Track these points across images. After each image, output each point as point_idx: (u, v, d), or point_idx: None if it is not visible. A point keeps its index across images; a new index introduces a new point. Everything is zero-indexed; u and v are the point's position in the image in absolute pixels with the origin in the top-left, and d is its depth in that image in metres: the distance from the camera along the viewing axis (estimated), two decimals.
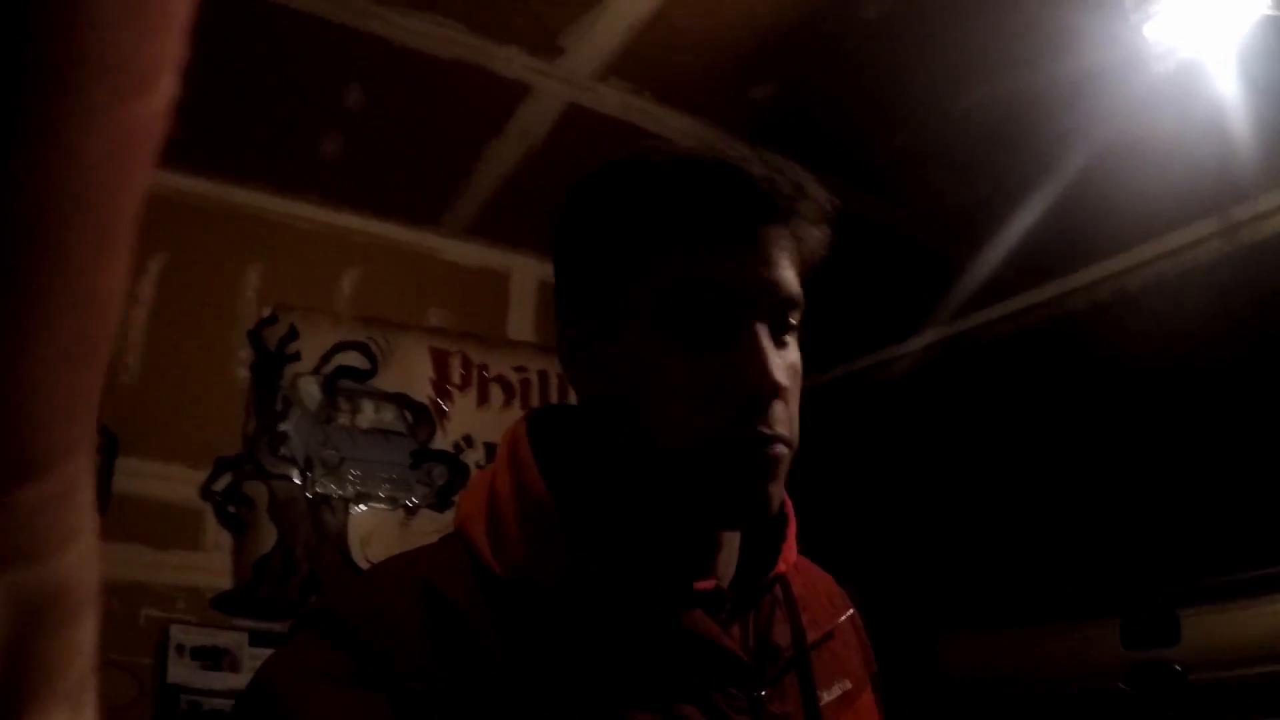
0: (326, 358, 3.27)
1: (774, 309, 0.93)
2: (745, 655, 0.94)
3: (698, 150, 0.94)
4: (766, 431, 0.89)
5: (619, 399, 0.94)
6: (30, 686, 0.26)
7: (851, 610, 1.17)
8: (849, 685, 1.06)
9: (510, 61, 2.80)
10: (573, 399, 1.05)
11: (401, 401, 3.36)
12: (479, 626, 0.84)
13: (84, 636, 0.28)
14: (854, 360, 4.12)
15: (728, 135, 3.08)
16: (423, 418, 3.38)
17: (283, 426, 3.13)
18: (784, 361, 0.92)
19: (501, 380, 3.56)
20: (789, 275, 0.94)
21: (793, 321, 0.96)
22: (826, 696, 1.01)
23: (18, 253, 0.22)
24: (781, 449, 0.91)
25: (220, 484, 3.07)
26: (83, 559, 0.27)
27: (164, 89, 0.24)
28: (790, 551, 1.04)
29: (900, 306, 3.81)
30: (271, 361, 3.19)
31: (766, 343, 0.90)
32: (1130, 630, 2.96)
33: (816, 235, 0.97)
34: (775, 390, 0.89)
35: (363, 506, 3.20)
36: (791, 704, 0.97)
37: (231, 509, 3.05)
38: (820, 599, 1.12)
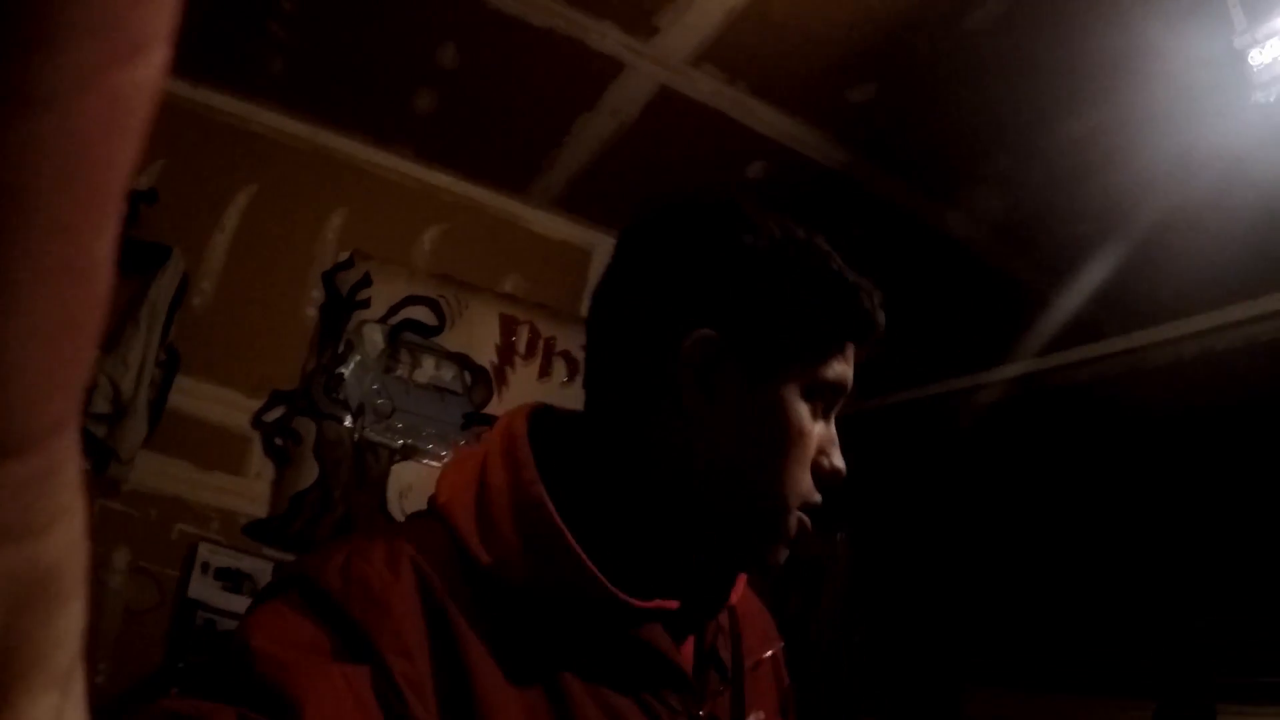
0: (395, 309, 3.33)
1: None
2: (690, 673, 0.99)
3: (841, 262, 1.02)
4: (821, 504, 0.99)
5: (741, 441, 0.98)
6: (17, 672, 0.25)
7: (781, 644, 1.23)
8: (763, 716, 1.13)
9: (605, 36, 2.82)
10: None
11: (462, 362, 3.40)
12: (457, 609, 0.87)
13: (72, 620, 0.27)
14: (922, 388, 4.02)
15: (822, 135, 3.05)
16: (481, 380, 3.41)
17: (341, 369, 3.19)
18: None
19: (567, 356, 3.58)
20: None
21: None
22: None
23: (5, 218, 0.22)
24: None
25: (272, 415, 3.15)
26: (71, 540, 0.26)
27: (156, 59, 0.24)
28: (739, 590, 1.09)
29: (976, 337, 3.70)
30: (341, 305, 3.26)
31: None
32: (1165, 716, 2.86)
33: None
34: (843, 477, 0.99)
35: (407, 459, 3.22)
36: None
37: (279, 441, 3.12)
38: (757, 628, 1.19)
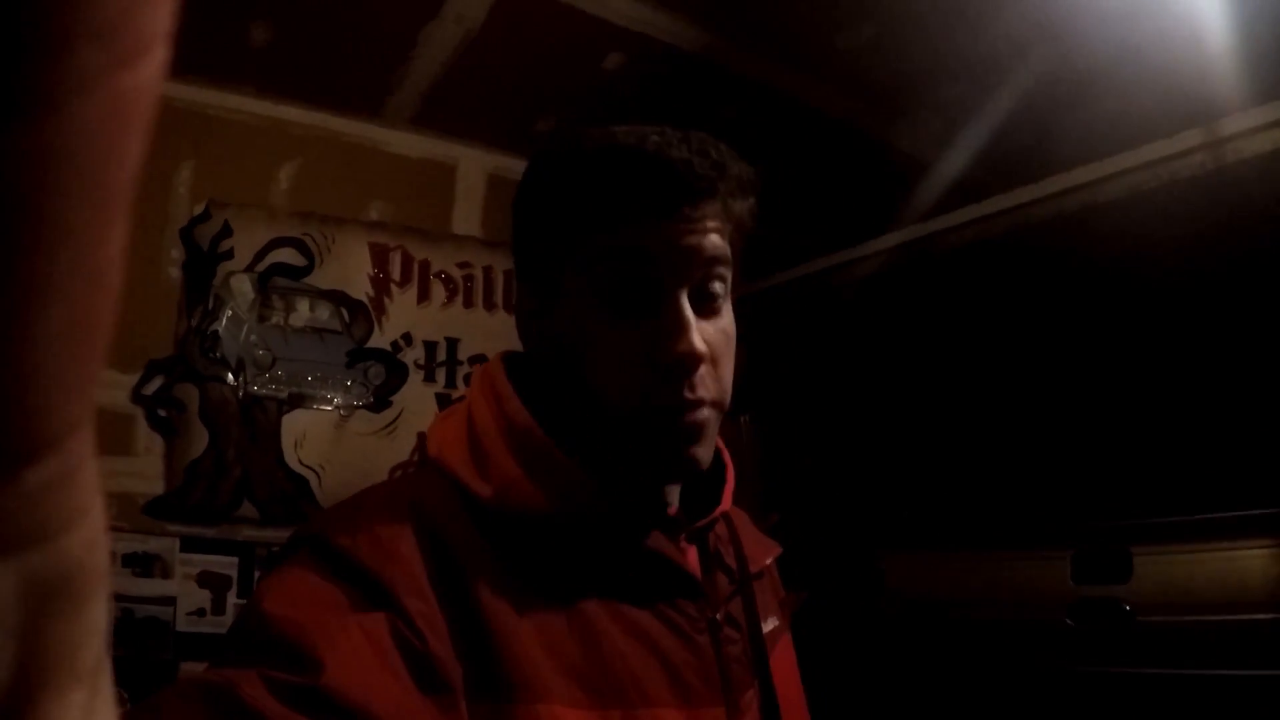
0: (261, 255, 3.25)
1: (698, 275, 1.00)
2: (701, 578, 1.05)
3: (625, 135, 1.00)
4: (690, 397, 0.97)
5: (564, 366, 1.02)
6: (45, 671, 0.26)
7: (778, 552, 1.28)
8: (776, 623, 1.19)
9: None
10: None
11: (338, 299, 3.33)
12: (462, 546, 0.91)
13: (96, 617, 0.28)
14: (811, 262, 4.01)
15: (678, 19, 2.97)
16: (360, 315, 3.36)
17: (214, 327, 3.11)
18: (713, 328, 1.01)
19: (444, 276, 3.53)
20: (712, 240, 0.99)
21: (718, 288, 1.03)
22: (765, 627, 1.13)
23: (16, 225, 0.22)
24: (705, 413, 1.00)
25: (151, 387, 3.07)
26: (91, 538, 0.27)
27: (157, 58, 0.24)
28: (729, 496, 1.15)
29: (859, 208, 3.70)
30: (204, 260, 3.16)
31: (688, 311, 0.98)
32: (1081, 564, 2.95)
33: (741, 206, 1.03)
34: (696, 358, 0.96)
35: (297, 408, 3.17)
36: (739, 629, 1.08)
37: (162, 412, 3.05)
38: (754, 537, 1.24)
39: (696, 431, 0.99)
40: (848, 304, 3.86)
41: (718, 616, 1.04)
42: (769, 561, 1.23)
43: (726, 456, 1.20)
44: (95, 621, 0.28)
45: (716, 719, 0.99)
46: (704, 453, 1.01)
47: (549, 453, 0.96)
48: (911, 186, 3.49)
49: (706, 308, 1.01)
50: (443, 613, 0.85)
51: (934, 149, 3.34)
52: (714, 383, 1.01)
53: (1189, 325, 2.95)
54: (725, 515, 1.16)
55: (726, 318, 1.04)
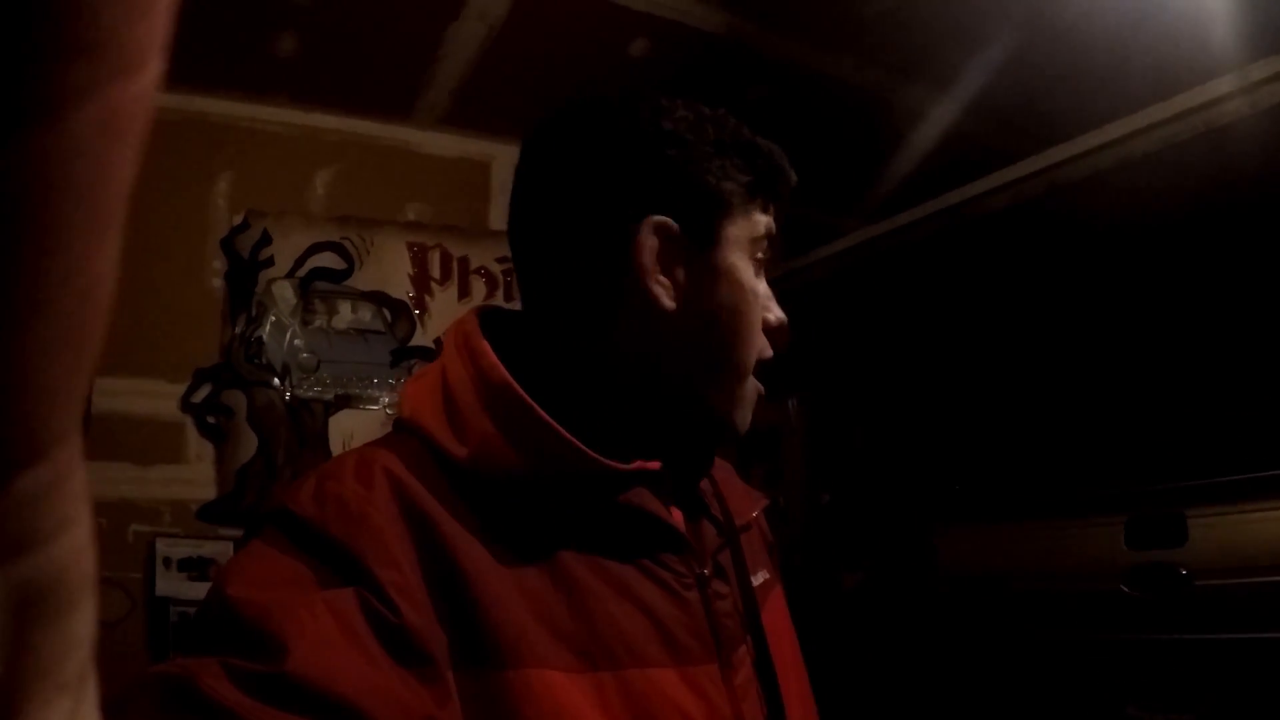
0: (301, 261, 3.33)
1: None
2: (688, 534, 1.03)
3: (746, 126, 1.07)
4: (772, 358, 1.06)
5: (704, 313, 1.01)
6: (30, 679, 0.26)
7: (765, 503, 1.29)
8: (767, 576, 1.18)
9: None
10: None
11: (379, 300, 3.40)
12: (439, 510, 0.87)
13: (82, 626, 0.28)
14: (848, 236, 3.97)
15: (699, 1, 2.98)
16: (402, 315, 3.42)
17: (258, 333, 3.19)
18: None
19: (484, 272, 3.58)
20: None
21: None
22: (755, 580, 1.12)
23: (8, 236, 0.22)
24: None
25: (199, 395, 3.15)
26: (78, 547, 0.27)
27: (153, 70, 0.25)
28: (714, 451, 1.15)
29: (889, 179, 3.66)
30: (245, 269, 3.24)
31: None
32: (1135, 530, 2.89)
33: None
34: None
35: (343, 409, 3.24)
36: (729, 584, 1.07)
37: (211, 419, 3.13)
38: (739, 491, 1.23)
39: (759, 402, 1.06)
40: (888, 277, 3.82)
41: (706, 571, 1.02)
42: (756, 514, 1.23)
43: None
44: (81, 630, 0.28)
45: (710, 676, 0.97)
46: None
47: (527, 412, 0.92)
48: (933, 155, 3.46)
49: None
50: (420, 581, 0.82)
51: (949, 115, 3.31)
52: None
53: (1235, 284, 2.90)
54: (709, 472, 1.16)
55: None
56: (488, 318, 1.06)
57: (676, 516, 1.05)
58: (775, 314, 1.05)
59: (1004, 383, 3.47)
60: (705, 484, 1.14)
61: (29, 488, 0.24)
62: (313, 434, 3.20)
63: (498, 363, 0.95)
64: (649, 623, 0.94)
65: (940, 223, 3.53)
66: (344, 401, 3.28)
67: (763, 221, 1.04)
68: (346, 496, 0.85)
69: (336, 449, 3.22)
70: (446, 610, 0.83)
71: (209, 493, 3.13)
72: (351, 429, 3.26)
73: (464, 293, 3.54)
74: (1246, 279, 2.87)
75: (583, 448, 0.92)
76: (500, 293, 3.58)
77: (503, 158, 3.73)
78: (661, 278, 0.99)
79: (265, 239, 3.27)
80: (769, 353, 1.05)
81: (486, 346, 0.97)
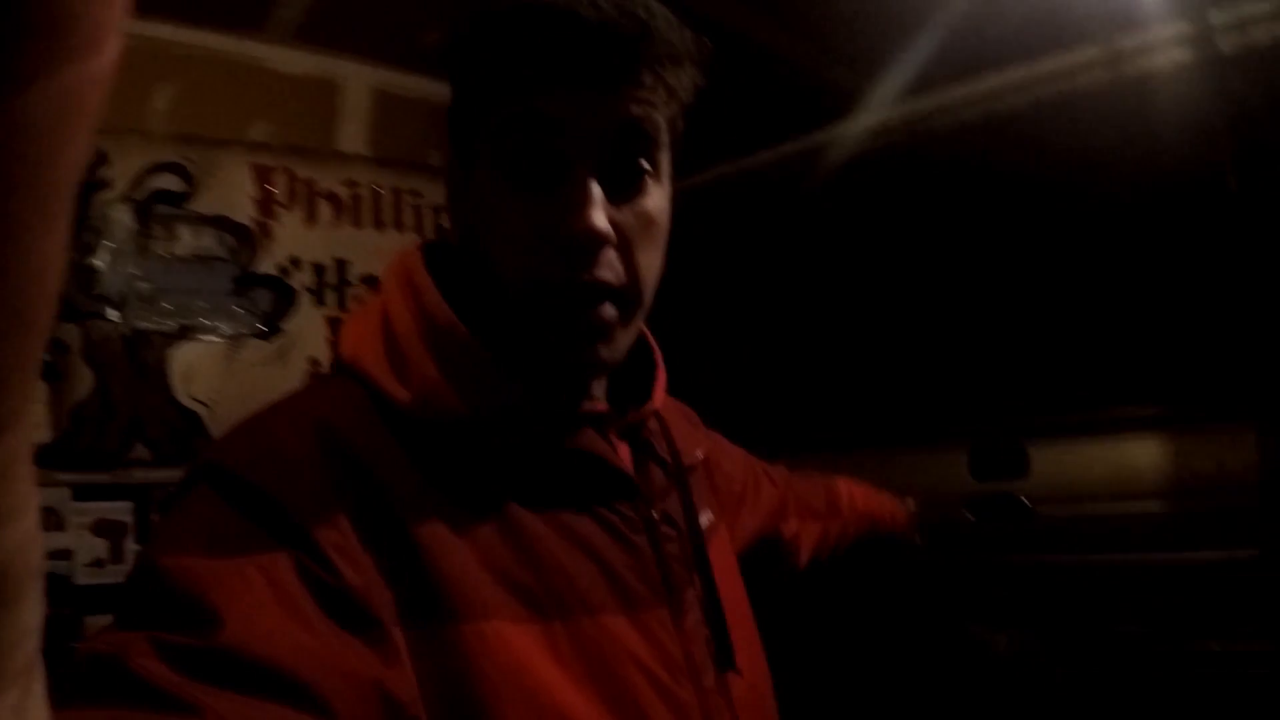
0: (139, 182, 3.16)
1: (614, 149, 0.93)
2: (635, 477, 1.02)
3: None
4: (585, 278, 0.92)
5: (471, 239, 0.97)
6: None
7: (709, 442, 1.32)
8: (712, 517, 1.18)
9: None
10: (408, 215, 1.11)
11: (222, 224, 3.27)
12: (380, 460, 0.85)
13: (29, 617, 0.28)
14: (718, 165, 3.96)
15: None
16: (245, 239, 3.30)
17: (93, 261, 3.02)
18: (631, 210, 0.95)
19: (331, 196, 3.47)
20: (632, 110, 0.93)
21: (641, 166, 0.96)
22: (702, 522, 1.12)
23: None
24: (609, 310, 0.95)
25: None
26: (24, 538, 0.27)
27: (110, 51, 0.24)
28: (661, 390, 1.12)
29: (757, 116, 3.64)
30: (78, 191, 3.04)
31: (593, 187, 0.91)
32: (979, 460, 3.04)
33: (676, 76, 0.95)
34: (595, 235, 0.91)
35: (184, 341, 3.13)
36: (677, 525, 1.06)
37: (44, 356, 2.95)
38: (685, 432, 1.24)
39: (600, 328, 0.95)
40: (742, 211, 3.82)
41: (655, 515, 1.02)
42: (702, 454, 1.23)
43: (656, 348, 1.17)
44: (28, 622, 0.28)
45: (661, 620, 0.97)
46: (609, 351, 0.97)
47: (471, 351, 0.90)
48: (810, 96, 3.45)
49: (624, 187, 0.95)
50: (361, 537, 0.80)
51: (834, 57, 3.29)
52: (623, 269, 0.95)
53: (1082, 230, 3.03)
54: (655, 410, 1.12)
55: (652, 201, 0.98)
56: (433, 251, 1.02)
57: (624, 458, 1.04)
58: (567, 226, 0.91)
59: (849, 314, 3.56)
60: (653, 424, 1.13)
61: None
62: (153, 368, 3.06)
63: (441, 300, 0.93)
64: (598, 569, 0.94)
65: (801, 163, 3.55)
66: (185, 333, 3.14)
67: (524, 109, 0.91)
68: (281, 449, 0.83)
69: (178, 384, 3.10)
70: (390, 566, 0.81)
71: (43, 435, 2.96)
72: (193, 362, 3.14)
73: (310, 217, 3.41)
74: (1095, 224, 2.96)
75: (525, 389, 0.90)
76: (347, 218, 3.48)
77: (353, 77, 3.56)
78: (451, 214, 0.99)
79: (100, 158, 3.07)
80: (554, 275, 0.92)
81: (430, 283, 0.94)
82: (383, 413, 0.89)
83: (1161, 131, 2.86)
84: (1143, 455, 2.78)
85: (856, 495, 1.87)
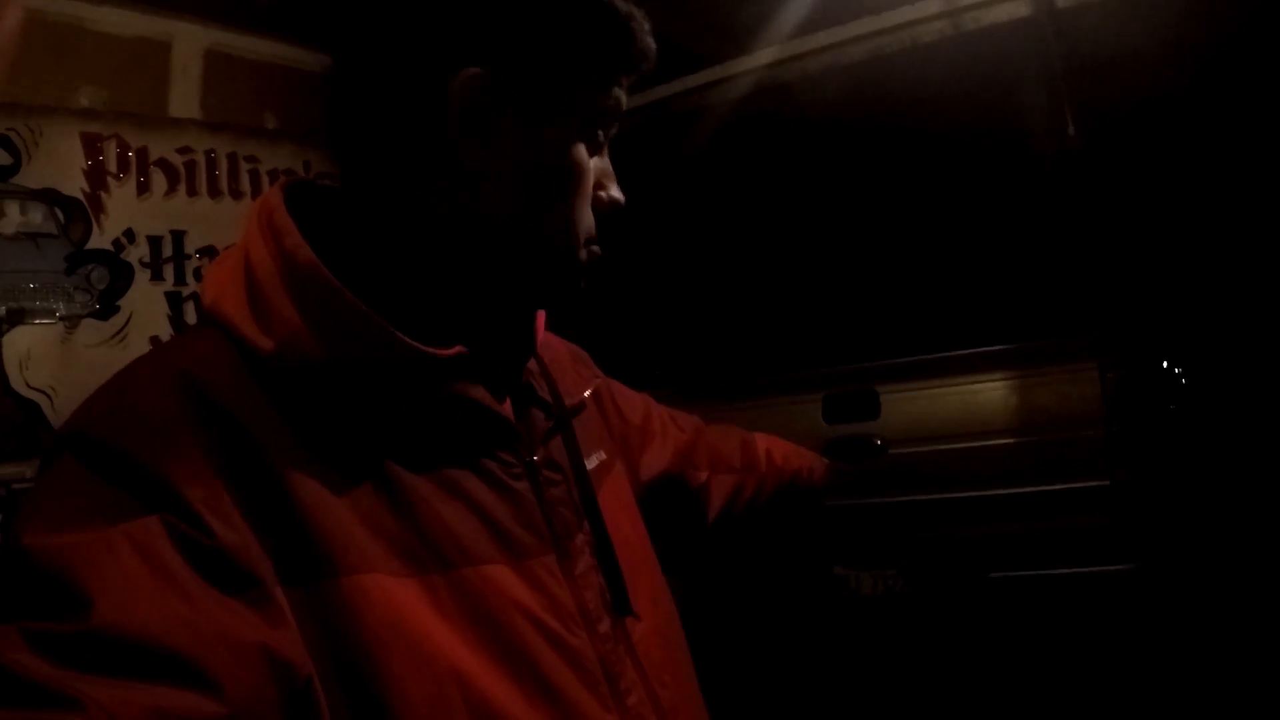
0: None
1: None
2: (515, 421, 1.00)
3: None
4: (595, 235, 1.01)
5: (511, 195, 0.93)
6: None
7: (599, 380, 1.30)
8: (604, 456, 1.18)
9: None
10: (245, 181, 1.02)
11: (50, 198, 3.10)
12: (249, 414, 0.81)
13: None
14: None
15: None
16: (76, 214, 3.14)
17: None
18: None
19: (164, 164, 3.33)
20: None
21: None
22: (589, 463, 1.10)
23: None
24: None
25: None
26: None
27: (9, 20, 0.25)
28: (540, 332, 1.12)
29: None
30: None
31: None
32: (832, 406, 3.16)
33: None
34: (621, 205, 1.03)
35: (17, 325, 2.97)
36: (561, 469, 1.04)
37: None
38: (569, 370, 1.23)
39: (587, 271, 1.02)
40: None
41: (535, 459, 1.00)
42: (587, 394, 1.22)
43: None
44: None
45: (547, 567, 0.95)
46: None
47: (335, 295, 0.86)
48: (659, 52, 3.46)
49: None
50: (234, 495, 0.76)
51: (676, 12, 3.29)
52: None
53: (926, 178, 3.16)
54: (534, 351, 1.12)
55: None
56: (294, 192, 0.98)
57: (506, 408, 1.02)
58: (610, 193, 1.02)
59: (704, 264, 3.64)
60: (532, 365, 1.11)
61: None
62: None
63: (303, 242, 0.88)
64: (476, 519, 0.91)
65: (648, 116, 3.56)
66: (17, 317, 2.97)
67: (612, 97, 0.98)
68: (143, 409, 0.78)
69: (13, 371, 2.94)
70: (266, 523, 0.77)
71: None
72: (28, 347, 2.98)
73: (144, 187, 3.27)
74: (939, 172, 3.06)
75: (396, 333, 0.87)
76: (183, 187, 3.34)
77: (184, 38, 3.41)
78: (474, 144, 0.91)
79: None
80: (595, 232, 1.01)
81: (291, 224, 0.90)
82: (249, 364, 0.85)
83: (1001, 81, 2.97)
84: (991, 393, 2.93)
85: (775, 451, 1.85)
